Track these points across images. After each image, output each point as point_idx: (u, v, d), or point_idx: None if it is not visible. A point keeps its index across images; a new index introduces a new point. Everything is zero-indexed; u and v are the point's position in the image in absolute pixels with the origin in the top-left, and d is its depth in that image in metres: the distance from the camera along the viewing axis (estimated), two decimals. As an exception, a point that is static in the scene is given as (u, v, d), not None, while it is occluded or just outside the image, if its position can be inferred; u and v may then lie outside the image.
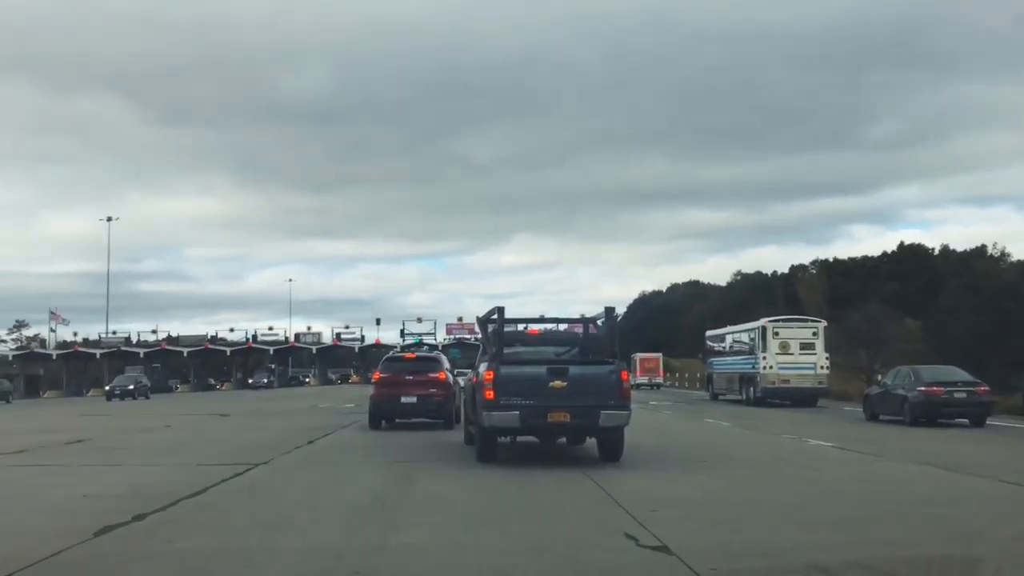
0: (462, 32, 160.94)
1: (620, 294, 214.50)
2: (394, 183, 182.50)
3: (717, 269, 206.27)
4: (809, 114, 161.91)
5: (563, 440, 16.61)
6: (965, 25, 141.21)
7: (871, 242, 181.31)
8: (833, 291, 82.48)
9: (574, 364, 15.25)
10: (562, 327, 18.99)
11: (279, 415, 31.79)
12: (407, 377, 23.31)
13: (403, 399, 22.91)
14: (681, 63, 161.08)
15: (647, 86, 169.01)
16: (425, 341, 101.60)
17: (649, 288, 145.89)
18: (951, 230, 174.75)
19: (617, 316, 17.66)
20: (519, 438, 16.12)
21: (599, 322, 16.75)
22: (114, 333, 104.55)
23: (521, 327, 17.28)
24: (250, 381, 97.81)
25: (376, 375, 24.45)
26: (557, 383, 14.25)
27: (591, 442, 16.07)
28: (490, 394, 14.25)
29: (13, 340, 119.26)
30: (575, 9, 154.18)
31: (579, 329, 17.83)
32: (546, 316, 21.66)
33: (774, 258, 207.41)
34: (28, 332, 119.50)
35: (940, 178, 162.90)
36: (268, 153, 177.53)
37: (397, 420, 23.80)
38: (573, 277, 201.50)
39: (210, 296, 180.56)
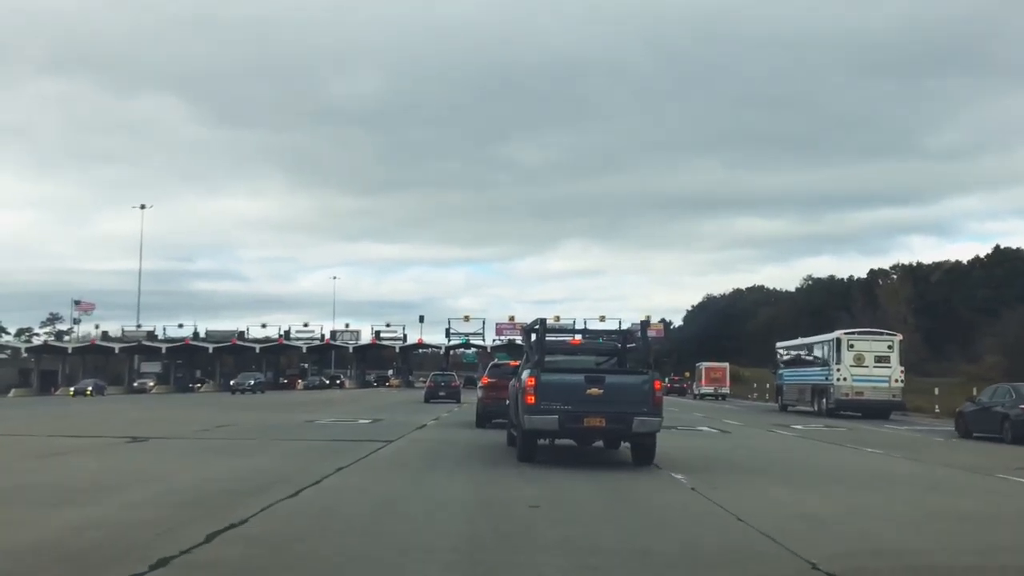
0: (515, 36, 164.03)
1: (669, 302, 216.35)
2: (444, 187, 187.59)
3: (769, 279, 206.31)
4: (866, 123, 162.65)
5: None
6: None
7: (928, 253, 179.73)
8: (918, 298, 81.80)
9: (610, 373, 17.08)
10: (603, 338, 20.96)
11: (222, 447, 19.81)
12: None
13: (508, 402, 24.95)
14: (737, 69, 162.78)
15: (702, 92, 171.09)
16: (472, 342, 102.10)
17: (702, 296, 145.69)
18: (1014, 243, 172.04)
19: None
20: (557, 441, 17.91)
21: (636, 334, 18.59)
22: (139, 327, 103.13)
23: (564, 337, 19.91)
24: (232, 383, 79.73)
25: (484, 380, 28.81)
26: (594, 390, 15.87)
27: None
28: (531, 399, 15.92)
29: (46, 334, 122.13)
30: (630, 14, 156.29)
31: (619, 340, 19.59)
32: (586, 327, 23.03)
33: (829, 268, 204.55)
34: (63, 326, 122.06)
35: (1002, 189, 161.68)
36: (320, 155, 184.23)
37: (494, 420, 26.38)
38: (622, 284, 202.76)
39: (261, 296, 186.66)
